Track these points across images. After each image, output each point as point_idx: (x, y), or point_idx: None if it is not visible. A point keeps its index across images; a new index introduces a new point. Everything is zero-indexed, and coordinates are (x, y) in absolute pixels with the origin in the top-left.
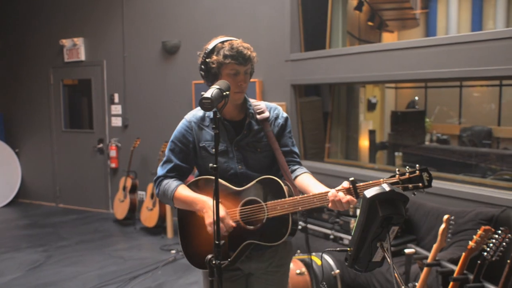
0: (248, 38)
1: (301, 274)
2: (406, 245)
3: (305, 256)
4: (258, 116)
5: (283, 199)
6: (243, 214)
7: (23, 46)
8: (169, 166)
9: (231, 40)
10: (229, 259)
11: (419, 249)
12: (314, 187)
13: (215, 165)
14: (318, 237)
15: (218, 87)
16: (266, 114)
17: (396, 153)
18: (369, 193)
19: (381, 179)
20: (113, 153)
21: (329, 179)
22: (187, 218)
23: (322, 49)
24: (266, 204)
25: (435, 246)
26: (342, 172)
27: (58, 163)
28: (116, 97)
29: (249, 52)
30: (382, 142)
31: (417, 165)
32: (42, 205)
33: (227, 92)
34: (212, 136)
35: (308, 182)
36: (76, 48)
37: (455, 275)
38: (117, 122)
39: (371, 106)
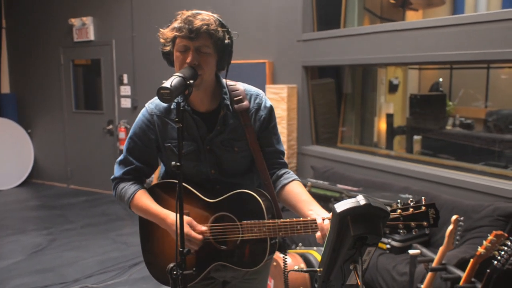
0: (258, 17)
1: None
2: (417, 240)
3: (304, 251)
4: (235, 106)
5: (261, 221)
6: (214, 231)
7: (32, 25)
8: (126, 167)
9: (195, 11)
10: (193, 269)
11: (425, 250)
12: (304, 206)
13: (178, 164)
14: None
15: (180, 74)
16: (245, 103)
17: (415, 138)
18: (340, 207)
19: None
20: (122, 134)
21: (342, 166)
22: (150, 225)
23: (336, 29)
24: (241, 224)
25: (441, 249)
26: (355, 160)
27: (70, 144)
28: (125, 78)
29: (202, 24)
30: (400, 127)
31: (423, 198)
32: (54, 186)
33: (192, 81)
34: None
35: (297, 197)
36: (85, 28)
37: (461, 283)
38: (126, 103)
39: (392, 88)
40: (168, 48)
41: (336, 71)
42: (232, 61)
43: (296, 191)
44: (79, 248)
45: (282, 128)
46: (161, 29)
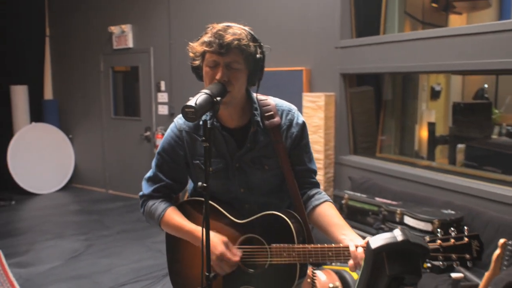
0: (296, 23)
1: None
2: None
3: (340, 268)
4: (266, 122)
5: (290, 245)
6: (243, 254)
7: (74, 33)
8: (155, 184)
9: (226, 24)
10: None
11: (469, 274)
12: (336, 230)
13: (204, 184)
14: None
15: (207, 91)
16: (277, 120)
17: (458, 148)
18: (375, 242)
19: (427, 237)
20: (159, 141)
21: (381, 178)
22: (177, 243)
23: (375, 35)
24: (270, 247)
25: (487, 274)
26: (395, 171)
27: (108, 150)
28: (163, 85)
29: (233, 39)
30: (442, 136)
31: (466, 228)
32: (93, 190)
33: (219, 98)
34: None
35: (329, 220)
36: (124, 35)
37: None
38: (163, 110)
39: (434, 94)
40: (197, 63)
41: (375, 78)
42: (269, 69)
43: (328, 213)
44: (115, 255)
45: (319, 137)
46: (190, 43)
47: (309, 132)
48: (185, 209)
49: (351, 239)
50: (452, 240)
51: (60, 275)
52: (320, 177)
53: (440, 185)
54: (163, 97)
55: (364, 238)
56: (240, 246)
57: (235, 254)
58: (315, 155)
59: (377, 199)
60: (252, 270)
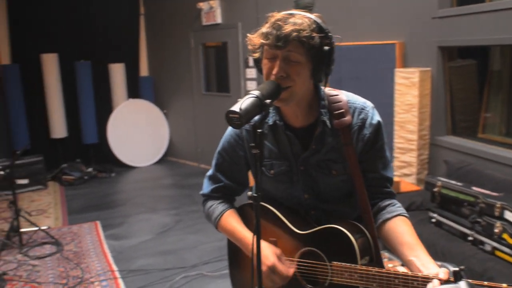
0: None
1: None
2: None
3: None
4: (335, 122)
5: (353, 266)
6: (302, 267)
7: (166, 11)
8: (214, 184)
9: (288, 12)
10: None
11: None
12: (406, 250)
13: (255, 194)
14: (454, 235)
15: (255, 94)
16: (347, 119)
17: None
18: None
19: (504, 285)
20: None
21: (481, 162)
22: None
23: (480, 3)
24: (331, 265)
25: None
26: (497, 156)
27: (199, 125)
28: (251, 61)
29: (292, 30)
30: None
31: None
32: (186, 164)
33: (269, 101)
34: (270, 152)
35: (400, 238)
36: (212, 11)
37: None
38: (252, 86)
39: None
40: (257, 55)
41: (479, 49)
42: (358, 43)
43: (400, 230)
44: (201, 232)
45: (412, 117)
46: (248, 34)
47: (401, 111)
48: (246, 212)
49: (423, 263)
50: None
51: (149, 249)
52: (413, 159)
53: None
54: (251, 73)
55: (442, 267)
56: (300, 260)
57: (289, 267)
58: (408, 136)
59: (474, 188)
60: (311, 286)
